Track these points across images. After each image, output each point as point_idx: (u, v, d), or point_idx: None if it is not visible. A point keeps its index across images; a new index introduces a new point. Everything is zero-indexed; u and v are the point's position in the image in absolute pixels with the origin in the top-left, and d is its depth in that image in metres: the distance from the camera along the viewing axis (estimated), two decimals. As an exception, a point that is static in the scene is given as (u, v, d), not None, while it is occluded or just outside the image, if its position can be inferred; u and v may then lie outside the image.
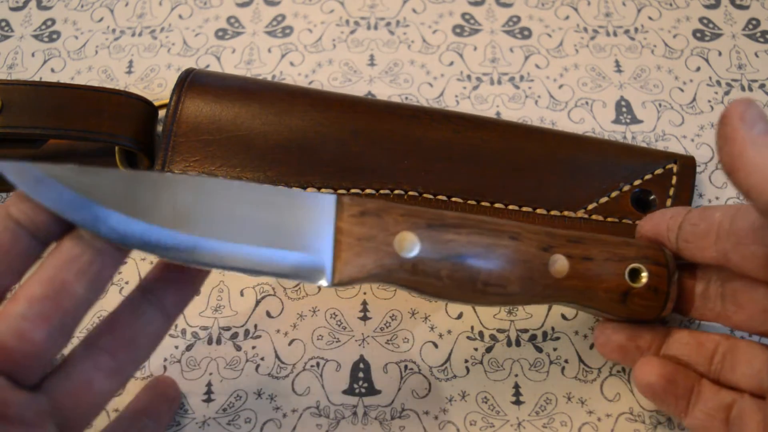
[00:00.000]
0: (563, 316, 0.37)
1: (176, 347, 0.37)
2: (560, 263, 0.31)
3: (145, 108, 0.41)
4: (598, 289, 0.31)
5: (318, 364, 0.36)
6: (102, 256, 0.26)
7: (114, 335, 0.27)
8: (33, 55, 0.48)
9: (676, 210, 0.33)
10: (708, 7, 0.49)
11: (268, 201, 0.28)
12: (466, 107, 0.45)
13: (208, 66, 0.47)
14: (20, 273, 0.26)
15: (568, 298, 0.31)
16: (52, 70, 0.47)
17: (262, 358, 0.37)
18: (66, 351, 0.27)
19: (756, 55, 0.46)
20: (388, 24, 0.49)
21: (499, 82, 0.46)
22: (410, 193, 0.38)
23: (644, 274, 0.31)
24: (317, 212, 0.28)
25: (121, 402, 0.35)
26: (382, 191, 0.39)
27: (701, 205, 0.41)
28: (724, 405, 0.30)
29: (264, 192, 0.28)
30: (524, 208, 0.38)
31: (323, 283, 0.28)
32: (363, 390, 0.36)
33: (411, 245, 0.29)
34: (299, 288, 0.39)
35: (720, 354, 0.32)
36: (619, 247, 0.32)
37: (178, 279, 0.29)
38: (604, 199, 0.38)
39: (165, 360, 0.37)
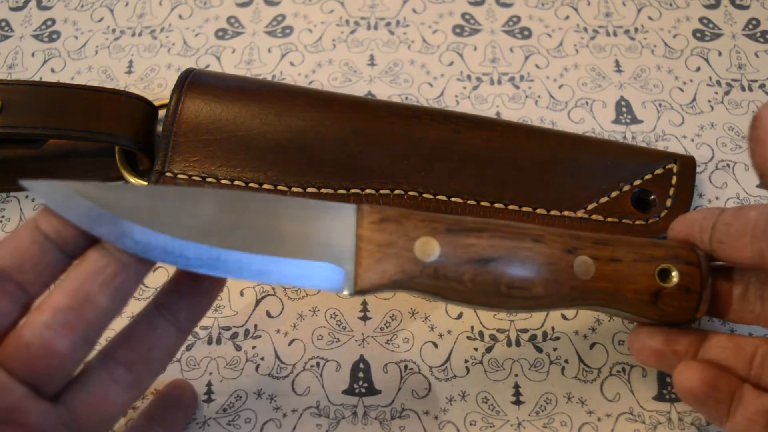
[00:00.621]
0: (563, 316, 0.37)
1: (176, 347, 0.37)
2: (586, 265, 0.30)
3: (145, 108, 0.41)
4: (627, 291, 0.30)
5: (318, 364, 0.36)
6: (126, 269, 0.26)
7: (129, 348, 0.28)
8: (33, 55, 0.48)
9: (708, 210, 0.32)
10: (708, 7, 0.49)
11: (288, 213, 0.28)
12: (466, 107, 0.45)
13: (208, 66, 0.47)
14: (46, 285, 0.27)
15: (596, 301, 0.30)
16: (52, 70, 0.47)
17: (262, 358, 0.37)
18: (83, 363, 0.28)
19: (756, 55, 0.46)
20: (388, 24, 0.49)
21: (499, 82, 0.46)
22: (410, 193, 0.38)
23: (675, 274, 0.30)
24: (338, 222, 0.29)
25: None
26: (382, 191, 0.38)
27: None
28: (766, 409, 0.29)
29: (285, 204, 0.29)
30: (524, 208, 0.38)
31: (346, 292, 0.28)
32: (363, 390, 0.36)
33: (431, 250, 0.28)
34: (299, 288, 0.39)
35: (759, 357, 0.31)
36: (647, 247, 0.31)
37: (191, 293, 0.29)
38: (604, 199, 0.38)
39: (165, 360, 0.37)
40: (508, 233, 0.30)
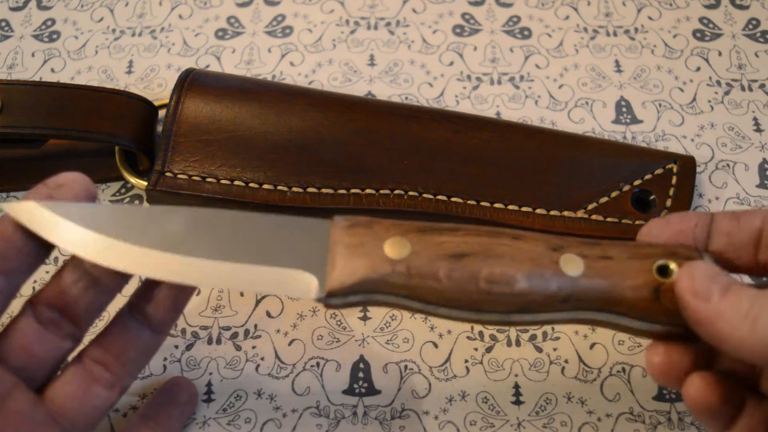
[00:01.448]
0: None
1: (176, 347, 0.37)
2: (574, 261, 0.28)
3: (145, 108, 0.41)
4: (624, 288, 0.28)
5: (318, 364, 0.36)
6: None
7: (104, 349, 0.29)
8: (33, 55, 0.48)
9: (696, 217, 0.30)
10: (708, 7, 0.49)
11: (261, 226, 0.29)
12: (466, 107, 0.45)
13: (208, 66, 0.47)
14: (30, 271, 0.28)
15: (590, 303, 0.29)
16: (52, 70, 0.47)
17: (262, 358, 0.37)
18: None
19: (756, 55, 0.46)
20: (388, 24, 0.49)
21: (499, 82, 0.46)
22: (410, 193, 0.38)
23: (674, 267, 0.28)
24: (312, 233, 0.29)
25: (128, 402, 0.35)
26: (382, 191, 0.38)
27: (703, 208, 0.41)
28: (766, 417, 0.28)
29: (256, 219, 0.29)
30: (524, 208, 0.38)
31: (314, 295, 0.27)
32: (363, 390, 0.36)
33: (402, 248, 0.28)
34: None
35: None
36: (641, 247, 0.29)
37: (162, 298, 0.30)
38: (604, 199, 0.38)
39: (165, 360, 0.37)
40: (484, 232, 0.29)
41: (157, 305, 0.29)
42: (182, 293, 0.30)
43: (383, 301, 0.29)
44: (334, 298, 0.28)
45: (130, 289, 0.31)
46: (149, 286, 0.30)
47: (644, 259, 0.29)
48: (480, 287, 0.28)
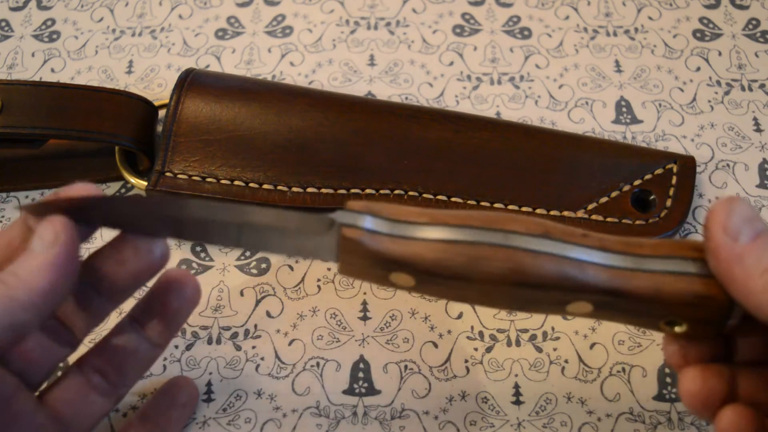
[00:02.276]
0: (563, 316, 0.37)
1: (176, 347, 0.37)
2: (585, 308, 0.27)
3: (145, 108, 0.41)
4: (631, 324, 0.28)
5: (318, 364, 0.36)
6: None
7: (103, 358, 0.30)
8: (33, 55, 0.48)
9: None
10: (708, 7, 0.49)
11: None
12: (466, 107, 0.45)
13: (208, 66, 0.47)
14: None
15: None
16: (52, 70, 0.47)
17: (262, 358, 0.37)
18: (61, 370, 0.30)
19: (756, 55, 0.46)
20: (388, 24, 0.49)
21: (499, 82, 0.46)
22: (410, 193, 0.38)
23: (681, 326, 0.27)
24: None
25: (128, 401, 0.35)
26: (382, 191, 0.38)
27: (703, 208, 0.41)
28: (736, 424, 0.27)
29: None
30: (524, 208, 0.38)
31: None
32: (363, 390, 0.36)
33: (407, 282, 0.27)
34: (299, 288, 0.39)
35: None
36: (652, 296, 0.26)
37: (162, 312, 0.30)
38: (604, 199, 0.38)
39: (165, 360, 0.37)
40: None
41: (158, 318, 0.30)
42: (184, 306, 0.30)
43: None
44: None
45: (129, 304, 0.31)
46: (151, 298, 0.30)
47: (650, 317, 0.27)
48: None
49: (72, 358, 0.30)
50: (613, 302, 0.26)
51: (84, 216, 0.26)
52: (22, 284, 0.24)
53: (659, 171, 0.39)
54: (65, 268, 0.25)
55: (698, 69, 0.46)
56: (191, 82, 0.40)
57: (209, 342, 0.37)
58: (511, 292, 0.26)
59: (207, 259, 0.40)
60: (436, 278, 0.26)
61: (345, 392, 0.36)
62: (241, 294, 0.39)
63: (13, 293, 0.23)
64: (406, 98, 0.45)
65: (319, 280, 0.39)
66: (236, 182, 0.39)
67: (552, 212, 0.38)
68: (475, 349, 0.37)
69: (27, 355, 0.27)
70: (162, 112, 0.43)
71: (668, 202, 0.38)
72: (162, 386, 0.34)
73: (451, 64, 0.47)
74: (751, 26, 0.48)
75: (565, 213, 0.38)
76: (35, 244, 0.25)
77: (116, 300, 0.29)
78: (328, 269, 0.39)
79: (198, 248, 0.40)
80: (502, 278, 0.26)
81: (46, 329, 0.28)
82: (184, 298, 0.30)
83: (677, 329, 0.27)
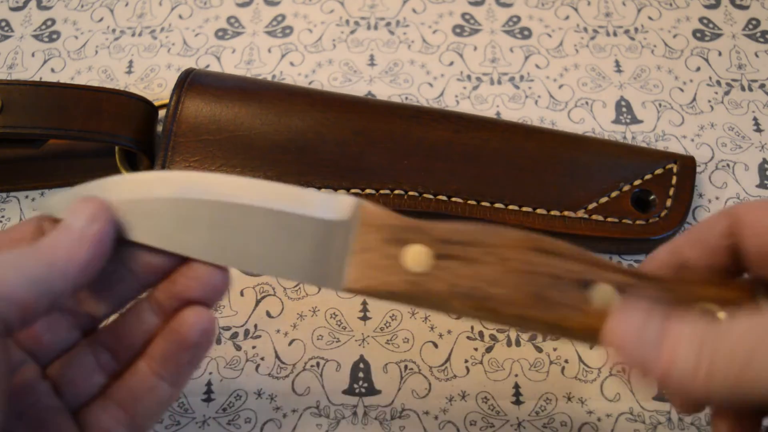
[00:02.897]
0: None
1: (176, 347, 0.37)
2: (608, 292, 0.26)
3: (145, 108, 0.41)
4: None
5: (318, 364, 0.36)
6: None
7: (116, 337, 0.28)
8: (33, 55, 0.48)
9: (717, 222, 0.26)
10: (708, 7, 0.49)
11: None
12: (466, 107, 0.45)
13: (208, 66, 0.47)
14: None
15: None
16: (52, 70, 0.47)
17: (262, 358, 0.37)
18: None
19: (756, 55, 0.46)
20: (388, 24, 0.49)
21: (499, 82, 0.46)
22: (410, 193, 0.38)
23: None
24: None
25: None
26: (382, 191, 0.39)
27: (703, 208, 0.41)
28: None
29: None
30: (524, 208, 0.38)
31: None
32: (363, 390, 0.36)
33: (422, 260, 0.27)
34: (299, 288, 0.39)
35: None
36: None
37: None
38: (604, 199, 0.38)
39: (165, 360, 0.36)
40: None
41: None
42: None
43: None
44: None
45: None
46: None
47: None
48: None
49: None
50: (637, 284, 0.26)
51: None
52: (64, 253, 0.24)
53: (659, 171, 0.39)
54: (103, 246, 0.25)
55: (698, 69, 0.46)
56: (191, 82, 0.40)
57: (209, 342, 0.37)
58: (529, 259, 0.26)
59: (207, 259, 0.40)
60: (453, 246, 0.26)
61: (345, 392, 0.36)
62: (241, 294, 0.39)
63: (53, 260, 0.24)
64: (406, 98, 0.45)
65: (319, 280, 0.39)
66: (236, 182, 0.39)
67: (552, 212, 0.38)
68: (475, 349, 0.37)
69: (35, 338, 0.27)
70: (162, 112, 0.43)
71: (668, 202, 0.38)
72: (170, 324, 0.28)
73: (451, 64, 0.47)
74: (751, 26, 0.48)
75: (566, 213, 0.38)
76: (72, 220, 0.25)
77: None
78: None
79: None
80: (519, 241, 0.26)
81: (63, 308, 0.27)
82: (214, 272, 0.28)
83: (720, 315, 0.25)
